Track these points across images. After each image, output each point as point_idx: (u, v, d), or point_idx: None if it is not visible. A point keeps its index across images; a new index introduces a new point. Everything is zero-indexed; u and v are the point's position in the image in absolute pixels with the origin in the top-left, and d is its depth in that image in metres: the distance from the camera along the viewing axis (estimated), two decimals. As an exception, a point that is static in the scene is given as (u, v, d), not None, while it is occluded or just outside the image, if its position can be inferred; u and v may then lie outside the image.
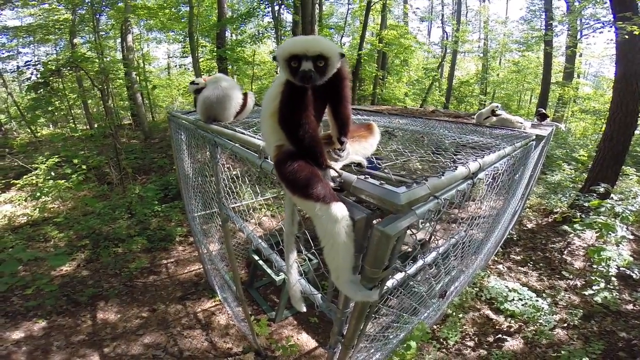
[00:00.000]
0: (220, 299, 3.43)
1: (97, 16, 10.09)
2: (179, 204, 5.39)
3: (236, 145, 1.55)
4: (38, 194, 5.03)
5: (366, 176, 0.89)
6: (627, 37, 4.36)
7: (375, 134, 1.20)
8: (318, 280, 1.47)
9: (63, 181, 5.34)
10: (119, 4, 9.74)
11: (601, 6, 9.82)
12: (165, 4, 11.14)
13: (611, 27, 5.13)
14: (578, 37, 10.97)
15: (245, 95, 2.17)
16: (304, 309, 1.20)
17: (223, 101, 2.01)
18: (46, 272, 3.76)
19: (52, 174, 5.37)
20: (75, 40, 10.65)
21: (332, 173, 0.93)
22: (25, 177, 5.66)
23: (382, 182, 0.84)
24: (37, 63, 6.92)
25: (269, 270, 3.14)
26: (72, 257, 4.12)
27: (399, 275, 1.18)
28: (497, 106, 3.13)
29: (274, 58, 0.94)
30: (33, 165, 5.83)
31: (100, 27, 10.83)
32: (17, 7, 10.18)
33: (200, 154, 2.78)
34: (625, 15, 4.34)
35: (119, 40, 12.15)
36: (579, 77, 14.26)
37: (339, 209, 0.82)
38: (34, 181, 5.55)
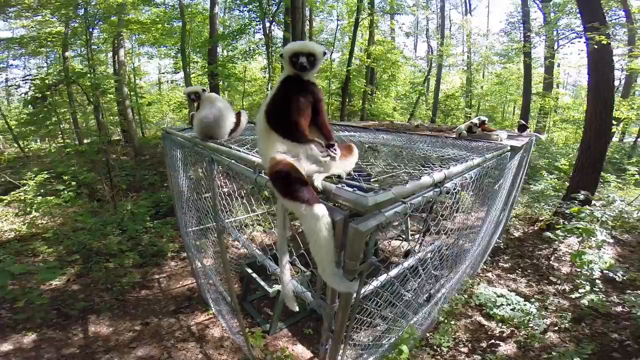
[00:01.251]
0: (214, 312, 3.42)
1: (90, 30, 10.12)
2: (170, 221, 5.39)
3: (232, 161, 1.66)
4: (28, 209, 4.96)
5: (343, 185, 1.09)
6: (596, 47, 4.51)
7: (354, 154, 1.43)
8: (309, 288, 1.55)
9: (52, 197, 5.29)
10: (112, 18, 9.82)
11: (574, 16, 10.27)
12: (158, 19, 11.31)
13: (580, 37, 5.34)
14: (555, 47, 11.47)
15: (238, 114, 2.30)
16: (297, 309, 1.31)
17: (220, 120, 2.12)
18: (35, 286, 3.69)
19: (42, 190, 5.31)
20: (67, 54, 10.63)
21: (318, 182, 1.12)
22: (12, 193, 5.59)
23: (355, 189, 1.05)
24: (35, 77, 6.92)
25: (262, 283, 3.17)
26: (62, 272, 4.05)
27: (383, 277, 1.30)
28: (475, 123, 3.28)
29: (281, 55, 1.28)
30: (21, 182, 5.77)
31: (92, 41, 10.84)
32: (10, 17, 10.15)
33: (192, 171, 2.85)
34: (593, 26, 4.51)
35: (110, 54, 12.19)
36: (558, 87, 14.77)
37: (320, 209, 1.01)
38: (22, 197, 5.48)
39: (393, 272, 1.39)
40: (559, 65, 13.70)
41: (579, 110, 12.79)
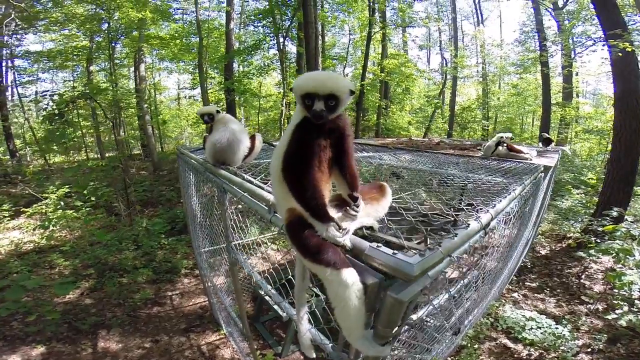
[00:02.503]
0: (225, 333, 3.33)
1: (113, 44, 10.52)
2: (185, 238, 5.40)
3: (245, 194, 1.53)
4: (46, 223, 5.06)
5: (379, 245, 0.89)
6: (620, 54, 4.31)
7: (387, 195, 1.18)
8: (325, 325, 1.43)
9: (71, 211, 5.39)
10: (134, 33, 10.19)
11: (590, 23, 9.95)
12: (176, 34, 11.71)
13: (604, 44, 5.09)
14: (572, 55, 11.10)
15: (253, 137, 2.16)
16: (314, 355, 1.18)
17: (234, 145, 1.98)
18: (49, 299, 3.74)
19: (62, 203, 5.42)
20: (91, 68, 11.10)
21: (346, 239, 0.93)
22: (35, 205, 5.74)
23: (395, 252, 0.84)
24: (53, 93, 7.18)
25: (275, 307, 3.06)
26: (76, 286, 4.09)
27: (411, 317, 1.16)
28: (502, 136, 3.12)
29: (291, 89, 0.99)
30: (43, 195, 5.93)
31: (115, 55, 11.26)
32: (40, 31, 10.70)
33: (205, 188, 2.79)
34: (615, 33, 4.32)
35: (132, 68, 12.66)
36: (578, 96, 14.25)
37: (350, 275, 0.83)
38: (43, 210, 5.62)
39: (422, 312, 1.23)
40: (577, 74, 13.23)
41: (601, 120, 12.23)
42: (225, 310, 3.06)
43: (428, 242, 0.91)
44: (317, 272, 0.90)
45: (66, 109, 6.28)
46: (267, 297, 3.21)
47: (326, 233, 0.90)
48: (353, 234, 0.97)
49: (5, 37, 10.52)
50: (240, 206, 2.05)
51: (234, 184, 1.66)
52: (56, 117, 6.05)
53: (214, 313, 3.57)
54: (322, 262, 0.85)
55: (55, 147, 7.52)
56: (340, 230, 0.91)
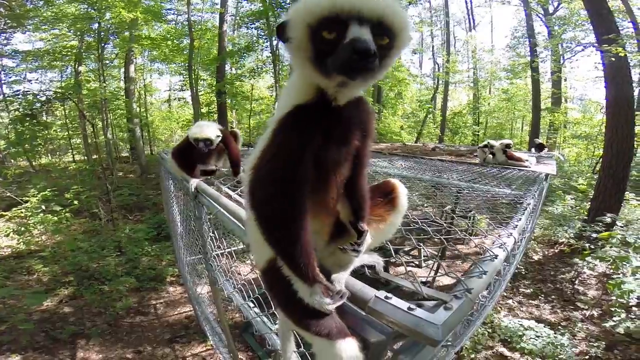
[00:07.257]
0: (212, 344, 3.19)
1: (103, 44, 10.25)
2: (171, 245, 5.22)
3: (221, 210, 1.30)
4: (23, 229, 4.83)
5: (387, 296, 0.65)
6: (613, 59, 4.36)
7: (400, 206, 0.81)
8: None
9: (50, 216, 5.16)
10: (125, 34, 9.98)
11: (580, 29, 10.14)
12: (168, 35, 11.51)
13: (597, 50, 5.11)
14: (561, 61, 11.27)
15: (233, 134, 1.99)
16: None
17: None
18: (25, 306, 3.56)
19: (43, 207, 5.19)
20: (80, 68, 10.78)
21: (341, 284, 0.70)
22: (14, 209, 5.49)
23: (410, 306, 0.62)
24: (26, 92, 6.85)
25: (264, 319, 2.92)
26: (54, 293, 3.94)
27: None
28: (509, 144, 3.09)
29: (280, 32, 0.56)
30: (24, 198, 5.68)
31: (105, 56, 10.98)
32: (29, 30, 10.30)
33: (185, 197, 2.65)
34: (609, 38, 4.35)
35: (122, 69, 12.37)
36: (566, 101, 14.45)
37: (347, 348, 0.63)
38: (22, 214, 5.37)
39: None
40: (565, 80, 13.46)
41: (589, 125, 12.44)
42: (210, 322, 2.93)
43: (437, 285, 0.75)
44: (304, 337, 0.69)
45: (41, 108, 5.97)
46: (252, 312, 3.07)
47: (310, 298, 0.64)
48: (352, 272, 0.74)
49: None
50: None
51: (210, 197, 1.43)
52: (27, 118, 5.74)
53: (200, 323, 3.43)
54: (310, 330, 0.64)
55: (24, 152, 7.13)
56: (332, 295, 0.65)
